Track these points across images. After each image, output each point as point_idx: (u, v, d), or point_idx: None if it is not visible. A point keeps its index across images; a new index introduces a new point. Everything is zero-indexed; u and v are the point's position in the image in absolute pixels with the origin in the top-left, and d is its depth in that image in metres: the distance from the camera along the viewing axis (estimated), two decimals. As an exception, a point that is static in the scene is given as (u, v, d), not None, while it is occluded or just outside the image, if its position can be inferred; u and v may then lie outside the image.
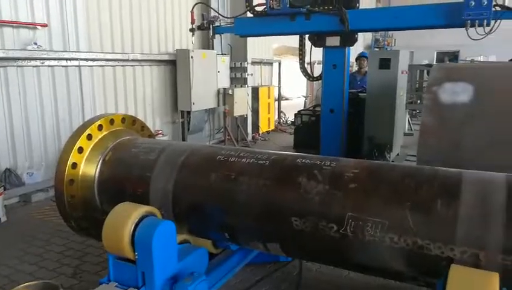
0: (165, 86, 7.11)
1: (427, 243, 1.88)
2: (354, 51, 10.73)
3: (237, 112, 7.71)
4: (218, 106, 7.65)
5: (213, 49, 6.84)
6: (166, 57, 6.96)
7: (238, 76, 8.06)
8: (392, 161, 5.19)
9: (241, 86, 8.01)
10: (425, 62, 18.53)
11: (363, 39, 18.84)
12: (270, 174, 2.27)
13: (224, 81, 7.69)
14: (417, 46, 18.97)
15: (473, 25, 4.06)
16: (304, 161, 2.33)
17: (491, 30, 4.11)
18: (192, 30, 5.55)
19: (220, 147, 2.64)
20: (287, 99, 18.11)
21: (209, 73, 7.18)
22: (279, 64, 10.71)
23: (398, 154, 5.58)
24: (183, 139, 7.14)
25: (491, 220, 1.81)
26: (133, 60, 6.39)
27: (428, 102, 3.35)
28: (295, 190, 2.18)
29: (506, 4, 4.06)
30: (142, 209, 2.23)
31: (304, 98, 11.80)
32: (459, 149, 3.11)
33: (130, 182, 2.57)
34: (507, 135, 2.95)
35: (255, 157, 2.39)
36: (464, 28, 4.10)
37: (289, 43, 9.56)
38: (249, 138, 8.60)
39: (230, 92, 7.50)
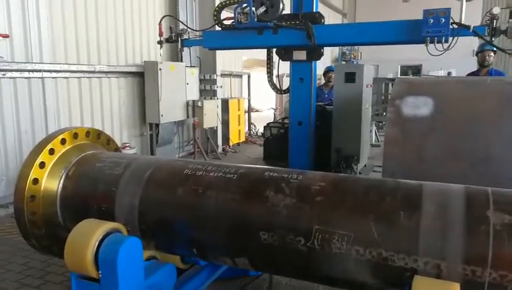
0: (133, 98, 7.01)
1: (391, 255, 1.92)
2: (322, 63, 10.97)
3: (207, 124, 7.69)
4: (188, 118, 7.61)
5: (182, 61, 6.82)
6: (134, 69, 6.88)
7: (207, 88, 8.06)
8: (360, 172, 5.30)
9: (211, 98, 8.02)
10: (390, 75, 19.17)
11: (331, 52, 19.30)
12: (237, 188, 2.27)
13: (193, 93, 7.67)
14: (382, 60, 19.62)
15: (432, 42, 4.24)
16: (271, 174, 2.34)
17: (449, 46, 4.31)
18: (160, 42, 5.53)
19: (187, 161, 2.62)
20: (257, 111, 18.23)
21: (178, 85, 7.14)
22: (249, 76, 10.79)
23: (365, 166, 5.70)
24: (152, 152, 7.04)
25: (451, 231, 1.87)
26: (99, 72, 6.27)
27: (392, 115, 3.46)
28: (263, 203, 2.19)
29: (463, 22, 4.25)
30: (107, 225, 2.18)
31: (274, 110, 11.91)
32: (422, 160, 3.22)
33: (94, 198, 2.51)
34: (464, 147, 3.08)
35: (222, 171, 2.39)
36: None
37: (258, 56, 9.66)
38: (219, 150, 8.57)
39: (199, 104, 7.49)
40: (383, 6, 19.28)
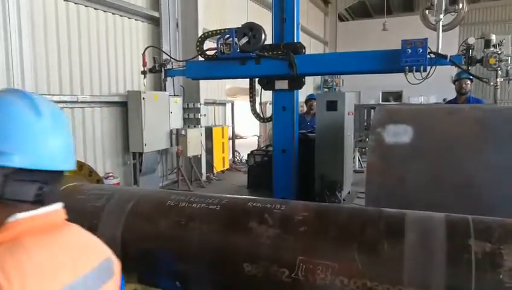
0: (116, 128, 6.97)
1: (375, 285, 1.91)
2: (305, 90, 11.15)
3: (191, 152, 7.66)
4: (171, 146, 7.58)
5: (165, 90, 6.85)
6: (117, 99, 6.87)
7: (191, 116, 8.08)
8: (344, 199, 5.32)
9: (195, 126, 8.03)
10: (372, 101, 19.58)
11: (313, 80, 19.67)
12: (221, 220, 2.26)
13: (177, 122, 7.68)
14: (364, 86, 20.08)
15: (411, 71, 4.36)
16: (254, 204, 2.34)
17: (427, 75, 4.44)
18: (143, 73, 5.56)
19: (170, 192, 2.60)
20: (241, 138, 18.29)
21: (162, 114, 7.15)
22: (232, 104, 10.88)
23: (349, 192, 5.74)
24: (135, 181, 6.95)
25: (434, 260, 1.88)
26: (82, 102, 6.24)
27: (373, 143, 3.51)
28: (246, 234, 2.17)
29: (440, 51, 4.40)
30: (87, 260, 2.12)
31: (258, 137, 11.98)
32: (403, 187, 3.26)
33: (74, 232, 2.45)
34: (444, 173, 3.13)
35: (205, 202, 2.37)
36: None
37: (241, 84, 9.79)
38: (203, 178, 8.52)
39: (183, 132, 7.48)
40: (363, 34, 19.88)
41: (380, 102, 20.41)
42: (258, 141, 11.65)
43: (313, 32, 18.84)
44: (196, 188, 7.82)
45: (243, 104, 12.94)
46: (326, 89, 20.25)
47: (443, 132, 3.33)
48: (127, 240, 2.33)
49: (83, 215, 2.46)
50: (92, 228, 2.38)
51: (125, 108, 6.87)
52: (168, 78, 5.92)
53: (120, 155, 7.05)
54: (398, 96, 20.08)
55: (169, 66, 5.75)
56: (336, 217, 2.20)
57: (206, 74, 5.38)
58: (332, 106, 5.08)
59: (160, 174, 7.94)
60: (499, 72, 4.31)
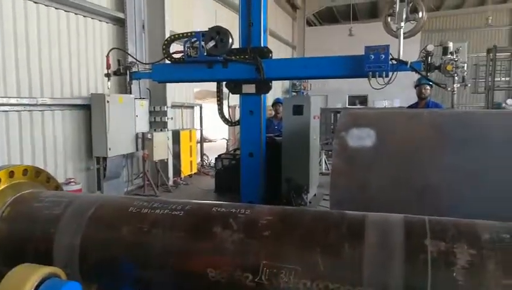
0: (79, 132, 6.76)
1: (337, 287, 1.95)
2: (273, 94, 11.16)
3: (157, 156, 7.54)
4: (137, 150, 7.43)
5: (131, 93, 6.71)
6: (80, 102, 6.67)
7: (157, 120, 7.95)
8: (310, 202, 5.39)
9: (161, 130, 7.91)
10: (339, 105, 19.98)
11: (282, 84, 19.84)
12: (184, 225, 2.23)
13: (143, 126, 7.54)
14: (331, 90, 20.45)
15: (374, 76, 4.49)
16: (219, 209, 2.32)
17: (389, 81, 4.58)
18: (107, 75, 5.44)
19: (132, 198, 2.55)
20: (210, 141, 18.18)
21: (127, 117, 7.00)
22: (201, 107, 10.81)
23: (315, 195, 5.81)
24: (99, 186, 6.76)
25: (392, 260, 1.93)
26: (41, 105, 6.01)
27: (337, 146, 3.57)
28: (210, 240, 2.16)
29: (401, 58, 4.55)
30: (43, 270, 2.04)
31: (226, 141, 11.95)
32: (366, 189, 3.33)
33: (31, 241, 2.35)
34: (405, 176, 3.23)
35: (169, 208, 2.34)
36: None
37: (210, 87, 9.72)
38: (170, 182, 8.40)
39: (149, 136, 7.36)
40: (330, 39, 20.27)
41: (347, 105, 20.86)
42: (227, 145, 11.62)
43: (281, 36, 19.02)
44: (163, 193, 7.70)
45: (212, 107, 12.88)
46: (294, 93, 20.47)
47: (403, 135, 3.43)
48: (86, 249, 2.26)
49: (39, 223, 2.37)
50: (49, 237, 2.31)
51: (89, 111, 6.69)
52: (135, 81, 5.82)
53: (83, 160, 6.85)
54: (364, 100, 20.59)
55: (134, 69, 5.65)
56: (300, 220, 2.22)
57: (172, 77, 5.34)
58: (298, 110, 5.15)
59: (126, 179, 7.77)
60: (456, 78, 4.50)
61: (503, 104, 16.55)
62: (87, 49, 6.95)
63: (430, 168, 3.20)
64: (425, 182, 3.16)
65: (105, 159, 6.71)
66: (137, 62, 5.72)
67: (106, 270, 2.28)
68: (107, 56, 5.57)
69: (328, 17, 24.17)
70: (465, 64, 4.54)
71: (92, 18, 7.02)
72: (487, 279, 1.82)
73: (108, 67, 5.52)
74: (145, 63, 6.22)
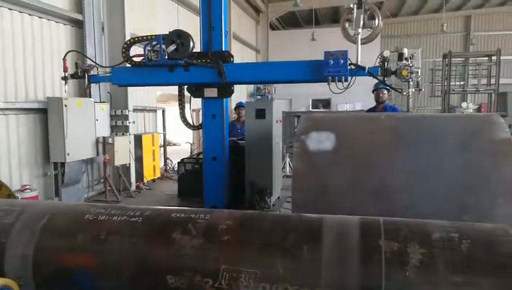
0: (35, 137, 6.50)
1: (296, 289, 1.98)
2: (238, 97, 11.21)
3: (119, 161, 7.37)
4: (98, 155, 7.23)
5: (90, 97, 6.53)
6: (36, 106, 6.41)
7: (119, 124, 7.77)
8: (273, 204, 5.43)
9: (123, 134, 7.74)
10: (303, 109, 20.27)
11: (246, 87, 19.90)
12: (143, 232, 2.20)
13: (103, 130, 7.34)
14: (295, 94, 20.72)
15: (333, 80, 4.59)
16: (178, 215, 2.31)
17: (348, 85, 4.70)
18: (64, 78, 5.27)
19: (89, 205, 2.48)
20: (174, 145, 17.95)
21: (86, 121, 6.80)
22: (163, 111, 10.66)
23: (278, 197, 5.87)
24: (57, 193, 6.52)
25: (348, 261, 1.99)
26: (-6, 109, 5.75)
27: (298, 150, 3.63)
28: (169, 246, 2.14)
29: (359, 63, 4.68)
30: (-7, 283, 1.95)
31: (190, 145, 11.84)
32: (326, 192, 3.40)
33: (-21, 253, 2.24)
34: (363, 178, 3.33)
35: (127, 215, 2.30)
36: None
37: (173, 91, 9.61)
38: (133, 187, 8.23)
39: (110, 140, 7.18)
40: (293, 43, 20.56)
41: (311, 109, 21.20)
42: (191, 149, 11.52)
43: (245, 40, 19.10)
44: (125, 199, 7.53)
45: (175, 110, 12.73)
46: (259, 96, 20.59)
47: (361, 139, 3.53)
48: (40, 259, 2.19)
49: (-11, 234, 2.26)
50: (0, 248, 2.20)
51: (46, 115, 6.44)
52: (95, 84, 5.67)
53: (40, 166, 6.58)
54: (327, 103, 21.00)
55: (94, 72, 5.51)
56: (259, 224, 2.24)
57: (133, 80, 5.24)
58: (260, 114, 5.19)
59: (86, 185, 7.54)
60: (411, 82, 4.69)
61: (458, 108, 17.36)
62: (43, 52, 6.69)
63: (386, 170, 3.31)
64: (382, 183, 3.27)
65: (63, 164, 6.48)
66: (96, 65, 5.57)
67: (61, 280, 2.20)
68: (64, 59, 5.39)
69: (291, 21, 24.53)
70: (419, 70, 4.74)
71: (48, 19, 6.77)
72: (437, 277, 1.90)
73: (65, 70, 5.34)
74: (104, 66, 6.08)
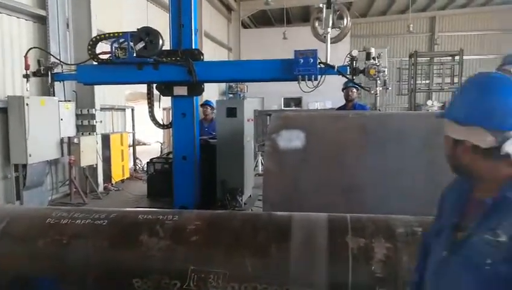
0: (-6, 137, 6.20)
1: (265, 287, 1.98)
2: (210, 96, 11.09)
3: (85, 162, 7.14)
4: (63, 156, 6.98)
5: (54, 95, 6.29)
6: (-5, 104, 6.14)
7: (85, 123, 7.53)
8: (245, 203, 5.42)
9: (89, 134, 7.51)
10: (275, 107, 20.32)
11: (218, 85, 19.78)
12: (108, 235, 2.14)
13: (69, 130, 7.10)
14: (267, 93, 20.74)
15: (303, 79, 4.60)
16: (145, 216, 2.26)
17: (318, 84, 4.73)
18: (26, 76, 5.06)
19: (51, 209, 2.40)
20: (144, 144, 17.61)
21: (50, 121, 6.55)
22: (133, 110, 10.45)
23: (250, 196, 5.85)
24: (18, 196, 6.25)
25: (317, 258, 2.01)
26: (-50, 107, 5.45)
27: (269, 148, 3.64)
28: (136, 248, 2.09)
29: (329, 62, 4.71)
30: None
31: (161, 144, 11.65)
32: (297, 189, 3.43)
33: None
34: (333, 176, 3.37)
35: (91, 218, 2.23)
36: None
37: (143, 89, 9.42)
38: (100, 188, 8.01)
39: (76, 140, 6.94)
40: (265, 42, 20.58)
41: (282, 107, 21.30)
42: (161, 148, 11.34)
43: (216, 38, 18.97)
44: (92, 201, 7.32)
45: (145, 109, 12.47)
46: (231, 95, 20.52)
47: (331, 137, 3.57)
48: (-2, 266, 2.09)
49: None
50: (-46, 255, 2.09)
51: (5, 115, 6.16)
52: (59, 83, 5.47)
53: (-1, 168, 6.30)
54: (298, 101, 21.16)
55: (58, 70, 5.31)
56: (228, 224, 2.23)
57: (99, 78, 5.08)
58: (231, 112, 5.16)
59: (50, 187, 7.27)
60: (378, 81, 4.77)
61: (424, 105, 17.88)
62: (3, 49, 6.39)
63: (355, 167, 3.36)
64: (351, 180, 3.32)
65: (25, 166, 6.21)
66: (61, 63, 5.38)
67: (22, 288, 2.12)
68: (26, 56, 5.17)
69: (263, 19, 24.56)
70: (386, 69, 4.83)
71: (9, 15, 6.48)
72: (402, 270, 1.95)
73: (27, 68, 5.13)
74: (69, 64, 5.87)
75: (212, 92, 17.36)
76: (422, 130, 3.33)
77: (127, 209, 2.45)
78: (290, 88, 4.67)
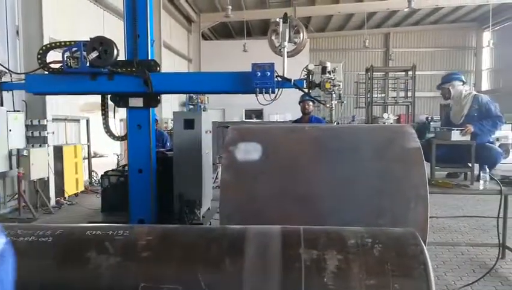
0: None
1: (218, 302, 1.95)
2: (169, 107, 10.95)
3: (35, 175, 6.82)
4: (11, 169, 6.63)
5: (2, 105, 6.00)
6: None
7: (36, 135, 7.21)
8: (203, 216, 5.36)
9: (40, 146, 7.19)
10: (236, 119, 20.40)
11: (178, 96, 19.59)
12: (53, 253, 2.04)
13: (17, 141, 6.76)
14: (228, 104, 20.81)
15: (261, 92, 4.65)
16: (94, 232, 2.18)
17: (275, 97, 4.79)
18: (-31, 85, 4.79)
19: (-9, 226, 2.26)
20: (102, 156, 17.06)
21: (-3, 133, 6.23)
22: (87, 121, 10.12)
23: (209, 209, 5.80)
24: (-39, 212, 5.87)
25: (270, 271, 2.01)
26: None
27: (226, 160, 3.62)
28: (83, 267, 2.01)
29: (288, 75, 4.79)
30: None
31: (117, 156, 11.34)
32: (254, 201, 3.42)
33: None
34: (289, 187, 3.40)
35: (35, 235, 2.12)
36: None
37: (99, 99, 9.17)
38: (52, 203, 7.66)
39: (25, 152, 6.63)
40: (226, 54, 20.68)
41: (244, 119, 21.41)
42: (118, 160, 11.03)
43: (176, 49, 18.86)
44: (43, 215, 6.98)
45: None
46: (191, 106, 20.38)
47: (286, 149, 3.62)
48: None
49: None
50: None
51: None
52: (7, 92, 5.22)
53: None
54: (259, 113, 21.35)
55: (6, 79, 5.07)
56: (181, 238, 2.19)
57: (50, 88, 4.90)
58: (189, 124, 5.11)
59: (-3, 202, 6.88)
60: (333, 95, 4.90)
61: (380, 118, 18.53)
62: None
63: (310, 178, 3.42)
64: (307, 191, 3.37)
65: (-31, 180, 5.86)
66: (9, 71, 5.14)
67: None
68: (-31, 63, 4.92)
69: (223, 32, 24.72)
70: (341, 83, 4.98)
71: (-48, 20, 6.17)
72: (353, 281, 1.99)
73: (-29, 76, 4.87)
74: (18, 73, 5.62)
75: (171, 103, 17.18)
76: (373, 142, 3.44)
77: (75, 225, 2.35)
78: (251, 100, 4.69)
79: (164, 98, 14.03)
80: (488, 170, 4.03)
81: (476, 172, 4.13)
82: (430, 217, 3.13)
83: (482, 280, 3.97)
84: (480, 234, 5.74)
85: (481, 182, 3.97)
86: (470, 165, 4.17)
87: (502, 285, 4.02)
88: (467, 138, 4.53)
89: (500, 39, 23.00)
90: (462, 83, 5.00)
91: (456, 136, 4.52)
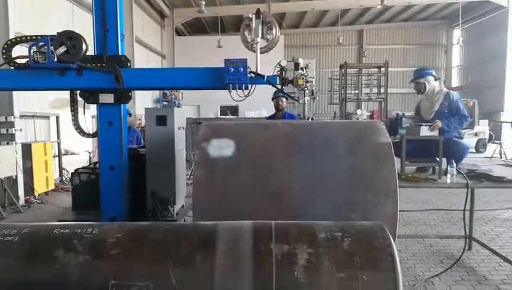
0: None
1: (189, 299, 1.95)
2: (143, 103, 10.79)
3: (2, 173, 6.61)
4: (-24, 168, 6.41)
5: (-34, 102, 5.78)
6: None
7: (3, 132, 6.98)
8: (177, 213, 5.31)
9: (8, 143, 6.96)
10: (211, 115, 20.30)
11: (152, 92, 19.33)
12: (19, 252, 2.00)
13: (-17, 139, 6.55)
14: (203, 100, 20.68)
15: (234, 88, 4.63)
16: (62, 231, 2.14)
17: (249, 93, 4.78)
18: None
19: (-48, 227, 2.18)
20: (73, 153, 16.67)
21: (-40, 130, 6.00)
22: (57, 117, 9.84)
23: (183, 206, 5.75)
24: None
25: (242, 266, 2.02)
26: None
27: (198, 157, 3.61)
28: (50, 266, 1.97)
29: (259, 72, 4.78)
30: None
31: (89, 153, 11.09)
32: (227, 197, 3.42)
33: None
34: (262, 183, 3.42)
35: (1, 234, 2.07)
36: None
37: (69, 95, 8.93)
38: (21, 201, 7.44)
39: (-9, 151, 6.43)
40: (200, 49, 20.53)
41: (219, 115, 21.32)
42: (90, 158, 10.80)
43: (149, 45, 18.57)
44: (11, 215, 6.78)
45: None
46: (165, 102, 20.14)
47: (259, 145, 3.63)
48: None
49: None
50: None
51: None
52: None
53: None
54: (235, 110, 21.30)
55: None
56: (151, 235, 2.18)
57: (16, 84, 4.73)
58: (161, 120, 5.04)
59: (-39, 202, 6.64)
60: (306, 91, 4.94)
61: (354, 114, 18.81)
62: None
63: (282, 174, 3.45)
64: (280, 186, 3.39)
65: None
66: (-29, 66, 4.93)
67: None
68: None
69: (197, 27, 24.50)
70: (314, 79, 5.02)
71: None
72: (323, 274, 2.02)
73: None
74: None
75: (144, 99, 16.91)
76: (344, 138, 3.50)
77: (42, 223, 2.30)
78: (227, 96, 4.66)
79: (138, 94, 13.82)
80: (455, 164, 4.15)
81: (444, 166, 4.25)
82: (400, 211, 3.22)
83: (450, 270, 4.11)
84: (449, 227, 5.94)
85: (448, 176, 4.09)
86: (438, 159, 4.29)
87: (468, 275, 4.18)
88: (436, 133, 4.67)
89: (470, 37, 23.74)
90: (434, 79, 5.13)
91: (424, 131, 4.65)
